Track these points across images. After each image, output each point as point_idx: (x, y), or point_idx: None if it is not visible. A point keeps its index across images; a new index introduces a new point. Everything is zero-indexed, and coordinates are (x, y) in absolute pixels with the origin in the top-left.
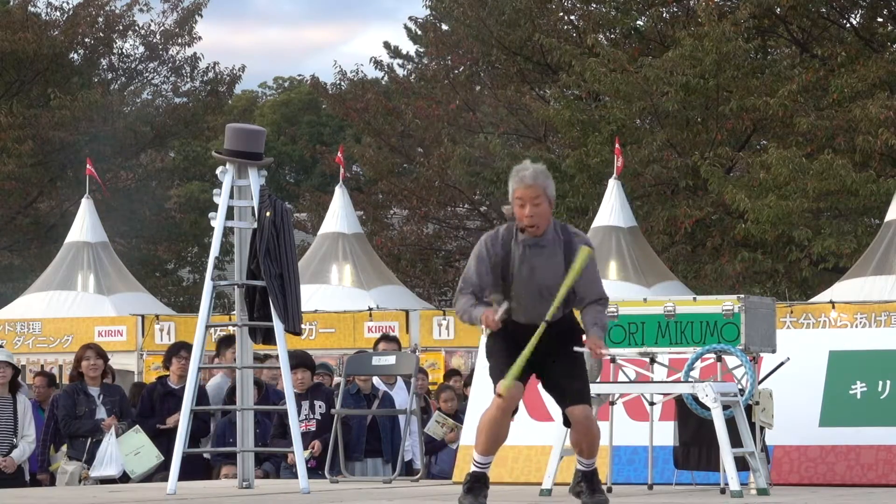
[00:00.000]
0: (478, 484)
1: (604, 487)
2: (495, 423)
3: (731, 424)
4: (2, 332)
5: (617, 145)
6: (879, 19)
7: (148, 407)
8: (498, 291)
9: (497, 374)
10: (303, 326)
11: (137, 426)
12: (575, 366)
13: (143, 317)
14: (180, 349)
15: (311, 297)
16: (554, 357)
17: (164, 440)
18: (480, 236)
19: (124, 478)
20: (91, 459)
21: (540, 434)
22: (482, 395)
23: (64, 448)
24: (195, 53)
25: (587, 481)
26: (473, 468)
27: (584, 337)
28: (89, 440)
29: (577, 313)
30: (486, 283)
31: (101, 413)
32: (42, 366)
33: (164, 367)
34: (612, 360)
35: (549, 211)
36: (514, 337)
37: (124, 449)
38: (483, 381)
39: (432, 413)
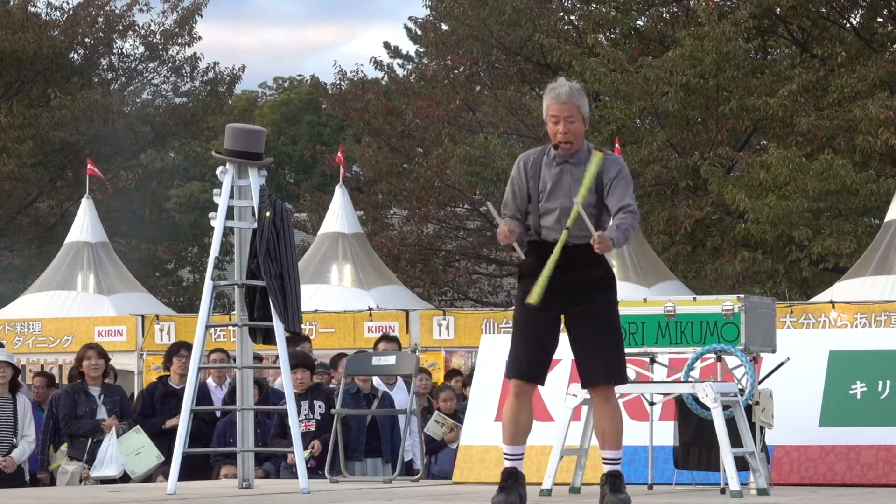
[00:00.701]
0: (510, 481)
1: (623, 496)
2: (512, 409)
3: (731, 424)
4: (2, 332)
5: (617, 145)
6: (879, 19)
7: (149, 406)
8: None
9: (514, 358)
10: (303, 326)
11: (138, 426)
12: (604, 328)
13: (143, 317)
14: (180, 349)
15: (311, 297)
16: (584, 311)
17: (164, 440)
18: (481, 236)
19: (125, 478)
20: (92, 459)
21: (540, 434)
22: (482, 394)
23: (63, 447)
24: (195, 53)
25: (610, 481)
26: (504, 462)
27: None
28: (90, 440)
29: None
30: (523, 205)
31: (101, 413)
32: (42, 366)
33: (164, 367)
34: None
35: (583, 129)
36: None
37: (125, 449)
38: (483, 380)
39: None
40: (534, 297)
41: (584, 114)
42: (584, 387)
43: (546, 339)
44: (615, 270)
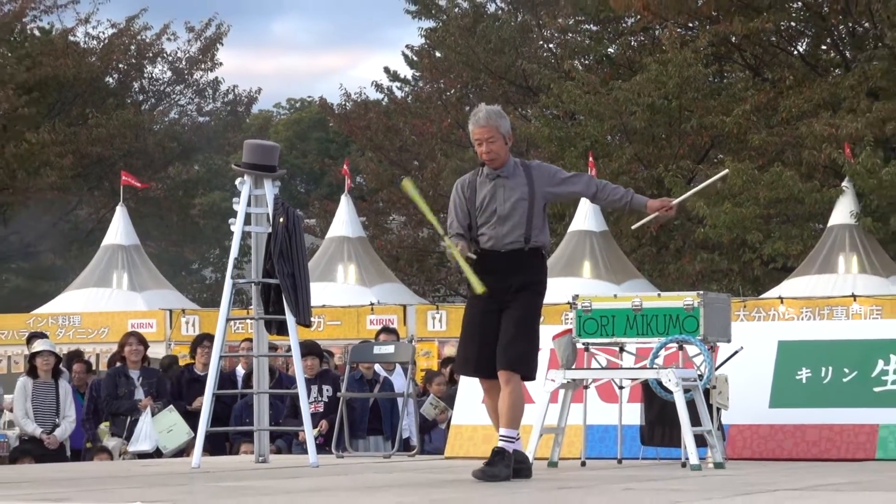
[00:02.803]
0: (494, 457)
1: (504, 469)
2: (488, 406)
3: (691, 406)
4: (45, 325)
5: (590, 159)
6: (823, 47)
7: (176, 391)
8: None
9: (460, 356)
10: (312, 319)
11: (171, 406)
12: (521, 325)
13: (170, 311)
14: (203, 340)
15: (320, 293)
16: (510, 309)
17: (192, 420)
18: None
19: (157, 452)
20: (130, 436)
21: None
22: (470, 380)
23: (104, 426)
24: (217, 77)
25: (492, 455)
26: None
27: (644, 203)
28: (129, 418)
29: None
30: (465, 221)
31: (139, 394)
32: (82, 355)
33: (190, 356)
34: (586, 348)
35: (505, 147)
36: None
37: (158, 427)
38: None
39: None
40: (478, 289)
41: (504, 132)
42: (497, 370)
43: (491, 338)
44: (589, 270)
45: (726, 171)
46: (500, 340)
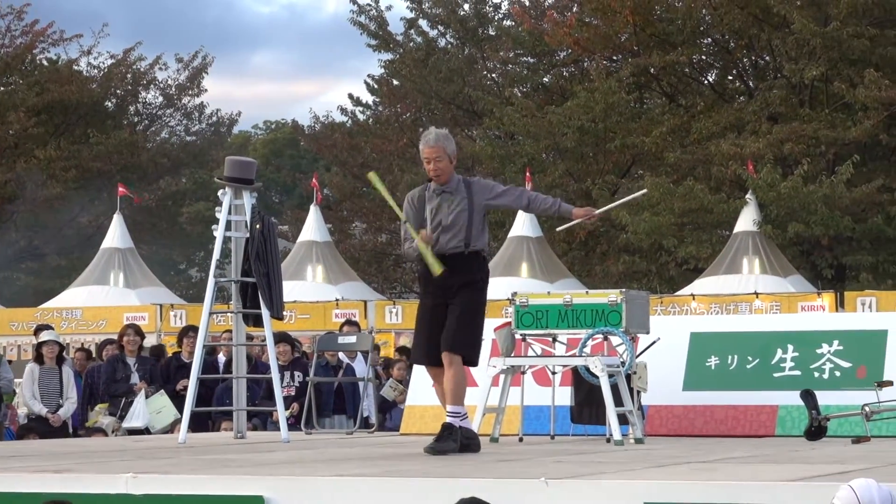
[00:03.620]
0: (443, 432)
1: (452, 444)
2: (438, 393)
3: (614, 389)
4: (51, 318)
5: (528, 174)
6: (730, 77)
7: (165, 375)
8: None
9: (414, 346)
10: (284, 313)
11: (162, 390)
12: (463, 315)
13: (161, 305)
14: (189, 331)
15: (291, 290)
16: (454, 302)
17: (179, 402)
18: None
19: (147, 430)
20: (124, 416)
21: (467, 395)
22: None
23: (98, 407)
24: (202, 102)
25: (441, 430)
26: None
27: (568, 210)
28: (124, 399)
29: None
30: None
31: (134, 378)
32: (82, 344)
33: (178, 345)
34: (524, 339)
35: (450, 165)
36: (424, 276)
37: (150, 408)
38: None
39: (384, 380)
40: (436, 269)
41: (450, 153)
42: (442, 349)
43: (437, 330)
44: (526, 271)
45: (644, 190)
46: (445, 329)
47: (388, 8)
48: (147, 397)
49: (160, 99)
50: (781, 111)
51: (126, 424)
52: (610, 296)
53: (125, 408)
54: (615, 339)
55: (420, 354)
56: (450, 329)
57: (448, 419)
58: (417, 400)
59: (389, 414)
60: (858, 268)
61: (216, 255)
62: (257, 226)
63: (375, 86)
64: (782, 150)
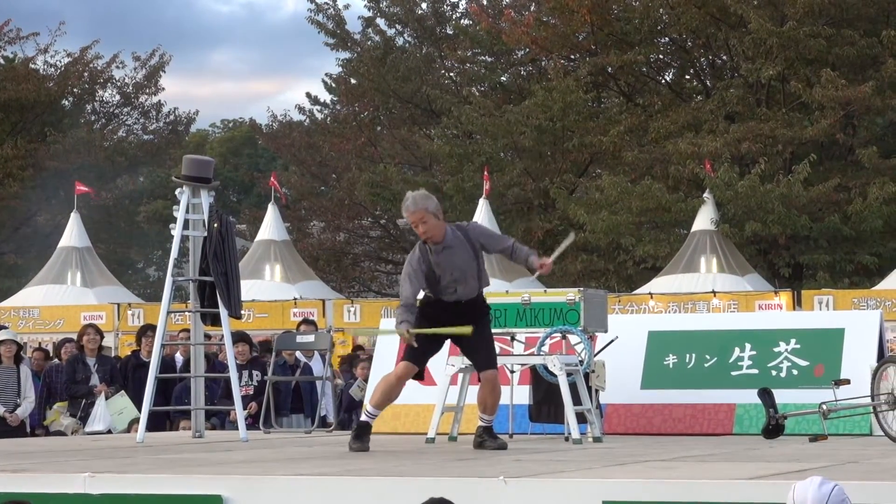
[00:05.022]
0: (364, 432)
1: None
2: (391, 386)
3: (573, 387)
4: (8, 317)
5: (486, 173)
6: (687, 77)
7: (123, 375)
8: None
9: (412, 352)
10: (242, 312)
11: (123, 391)
12: (487, 338)
13: (118, 305)
14: (147, 330)
15: (249, 289)
16: (473, 328)
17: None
18: (380, 243)
19: (109, 433)
20: (86, 417)
21: (426, 395)
22: (382, 364)
23: (56, 406)
24: (160, 101)
25: (488, 433)
26: (364, 417)
27: (532, 261)
28: (84, 401)
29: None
30: (422, 286)
31: (95, 380)
32: (40, 343)
33: (136, 343)
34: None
35: (438, 222)
36: (440, 315)
37: (111, 409)
38: (384, 354)
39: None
40: (468, 331)
41: (434, 211)
42: (479, 371)
43: (430, 352)
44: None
45: (572, 235)
46: (479, 353)
47: (346, 7)
48: (107, 398)
49: (117, 97)
50: (738, 110)
51: (88, 428)
52: (568, 294)
53: (85, 409)
54: (573, 338)
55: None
56: (486, 352)
57: (486, 424)
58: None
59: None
60: (815, 267)
61: (174, 253)
62: (215, 224)
63: (333, 84)
64: (739, 150)
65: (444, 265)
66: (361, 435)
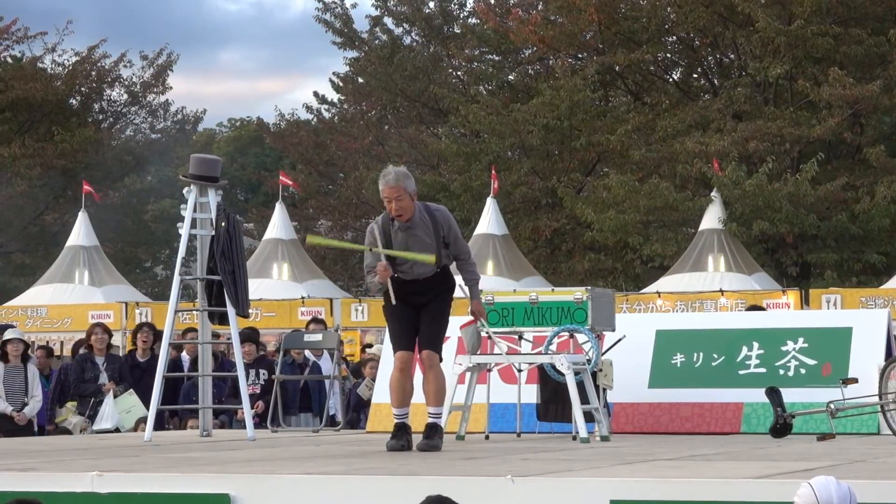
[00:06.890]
0: (399, 431)
1: (440, 441)
2: (397, 381)
3: (580, 386)
4: (16, 316)
5: (493, 172)
6: (694, 75)
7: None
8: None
9: (395, 336)
10: (250, 311)
11: (131, 389)
12: (437, 315)
13: (126, 303)
14: (142, 327)
15: (257, 288)
16: (426, 306)
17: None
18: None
19: (116, 430)
20: (94, 415)
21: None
22: (390, 364)
23: (69, 405)
24: (167, 100)
25: (428, 430)
26: (394, 420)
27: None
28: (93, 399)
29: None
30: (378, 259)
31: (103, 378)
32: (47, 342)
33: (132, 343)
34: (489, 336)
35: (411, 203)
36: (402, 294)
37: (119, 408)
38: (391, 353)
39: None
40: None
41: (410, 191)
42: (420, 349)
43: (410, 323)
44: (492, 268)
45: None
46: (422, 332)
47: (354, 6)
48: (115, 397)
49: (125, 96)
50: (746, 109)
51: (96, 427)
52: (575, 293)
53: (94, 408)
54: (581, 337)
55: (402, 346)
56: (430, 331)
57: (432, 420)
58: (383, 398)
59: (365, 412)
60: (823, 265)
61: (181, 252)
62: (222, 223)
63: (341, 84)
64: (747, 148)
65: (402, 242)
66: (397, 434)
